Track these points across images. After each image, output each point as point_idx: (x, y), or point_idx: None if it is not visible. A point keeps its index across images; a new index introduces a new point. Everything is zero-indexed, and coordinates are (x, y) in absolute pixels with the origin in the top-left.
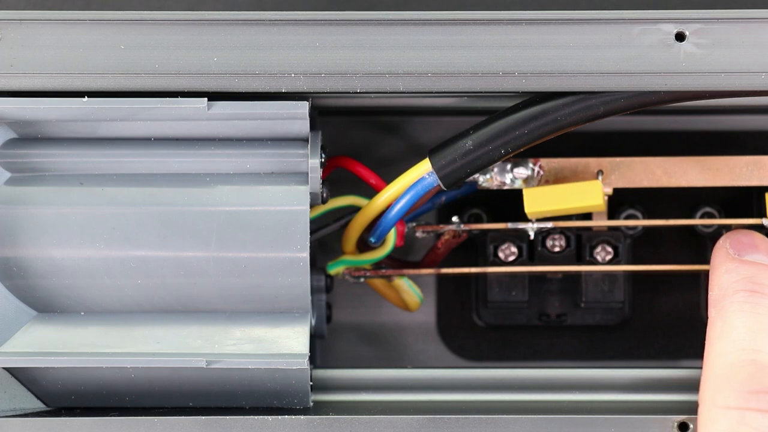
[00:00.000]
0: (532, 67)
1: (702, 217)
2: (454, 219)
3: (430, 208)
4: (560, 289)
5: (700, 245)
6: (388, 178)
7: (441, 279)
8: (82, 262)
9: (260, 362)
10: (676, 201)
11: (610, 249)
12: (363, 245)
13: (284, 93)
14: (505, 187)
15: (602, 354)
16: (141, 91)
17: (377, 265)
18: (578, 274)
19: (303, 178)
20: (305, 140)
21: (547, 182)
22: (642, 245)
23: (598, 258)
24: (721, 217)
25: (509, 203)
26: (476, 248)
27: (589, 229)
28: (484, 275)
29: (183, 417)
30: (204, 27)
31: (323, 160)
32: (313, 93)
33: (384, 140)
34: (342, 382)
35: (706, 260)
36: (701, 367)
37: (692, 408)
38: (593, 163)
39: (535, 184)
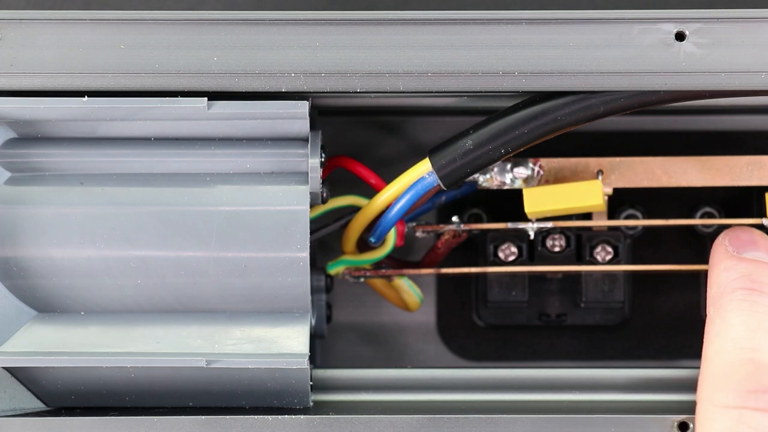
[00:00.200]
0: (532, 67)
1: (702, 217)
2: (454, 219)
3: (430, 208)
4: (560, 289)
5: (700, 245)
6: (388, 178)
7: (441, 279)
8: (82, 262)
9: (260, 362)
10: (676, 201)
11: (610, 249)
12: (363, 245)
13: (284, 93)
14: (505, 187)
15: (602, 354)
16: (141, 91)
17: (377, 265)
18: (578, 274)
19: (303, 177)
20: (305, 140)
21: (547, 182)
22: (642, 245)
23: (598, 258)
24: (721, 217)
25: (509, 203)
26: (476, 248)
27: (589, 229)
28: (484, 275)
29: (183, 417)
30: (204, 27)
31: (323, 159)
32: (313, 93)
33: (384, 140)
34: (342, 382)
35: (706, 260)
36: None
37: (692, 408)
38: (593, 163)
39: (535, 184)
